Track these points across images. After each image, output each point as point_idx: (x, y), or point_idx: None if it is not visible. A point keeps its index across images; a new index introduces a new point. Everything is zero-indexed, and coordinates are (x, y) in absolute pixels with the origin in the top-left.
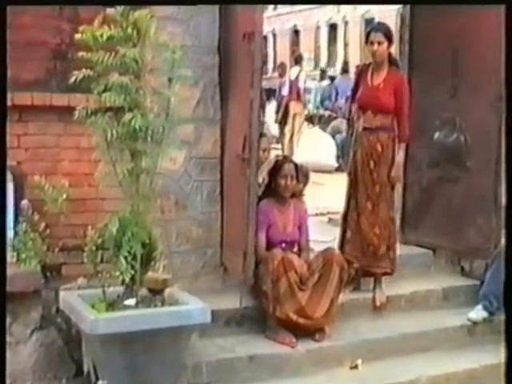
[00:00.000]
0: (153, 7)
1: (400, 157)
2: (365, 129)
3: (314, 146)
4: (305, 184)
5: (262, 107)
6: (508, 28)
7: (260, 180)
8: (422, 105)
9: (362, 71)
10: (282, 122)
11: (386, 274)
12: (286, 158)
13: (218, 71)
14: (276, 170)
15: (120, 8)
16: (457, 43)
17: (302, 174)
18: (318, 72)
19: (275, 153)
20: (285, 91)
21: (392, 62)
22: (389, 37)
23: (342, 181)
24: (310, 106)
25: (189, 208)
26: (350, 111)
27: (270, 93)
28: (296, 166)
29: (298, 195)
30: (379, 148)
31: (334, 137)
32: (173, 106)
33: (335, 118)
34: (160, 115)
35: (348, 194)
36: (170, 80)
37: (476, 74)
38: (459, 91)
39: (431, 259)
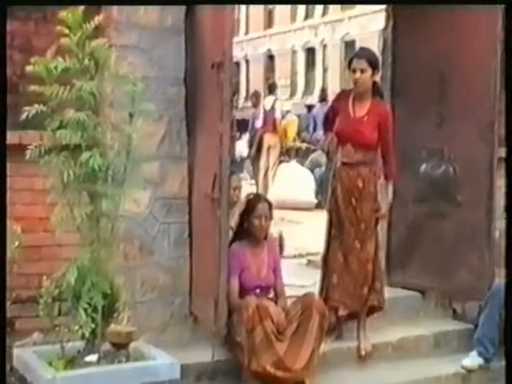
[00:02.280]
0: (111, 36)
1: (390, 195)
2: (344, 164)
3: (291, 182)
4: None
5: (233, 142)
6: (508, 28)
7: (232, 223)
8: (407, 135)
9: (340, 98)
10: (256, 156)
11: (373, 309)
12: (259, 197)
13: (184, 104)
14: (249, 210)
15: (74, 38)
16: (443, 66)
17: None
18: (294, 101)
19: (250, 190)
20: (258, 123)
21: (376, 91)
22: (373, 64)
23: (321, 219)
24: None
25: (155, 253)
26: (325, 140)
27: (243, 124)
28: (270, 204)
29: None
30: (360, 184)
31: (312, 171)
32: (135, 143)
33: (314, 150)
34: (121, 153)
35: (329, 233)
36: (131, 115)
37: (464, 100)
38: (446, 119)
39: (420, 302)
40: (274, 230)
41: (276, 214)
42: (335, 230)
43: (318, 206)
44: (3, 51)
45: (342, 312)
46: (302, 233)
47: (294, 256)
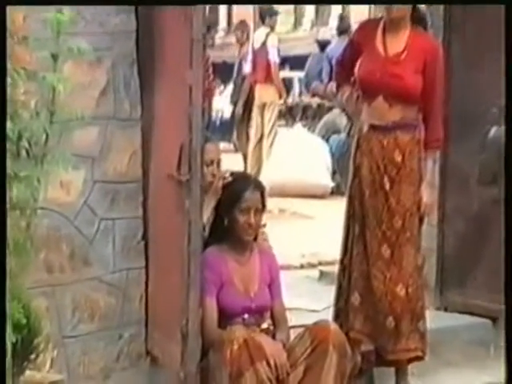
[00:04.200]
0: None
1: (432, 172)
2: (373, 127)
3: (296, 156)
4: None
5: (209, 96)
6: (508, 28)
7: (205, 218)
8: (467, 86)
9: (365, 30)
10: (244, 117)
11: (414, 359)
12: (247, 179)
13: (135, 40)
14: (231, 199)
15: None
16: None
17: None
18: (299, 34)
19: (234, 167)
20: (246, 68)
21: (417, 19)
22: None
23: (340, 211)
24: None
25: (93, 264)
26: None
27: (224, 70)
28: (263, 190)
29: (260, 233)
30: (398, 158)
31: (327, 139)
32: (61, 99)
33: (329, 108)
34: (40, 115)
35: (348, 232)
36: (54, 57)
37: None
38: None
39: (489, 333)
40: (269, 228)
41: (273, 204)
42: (358, 228)
43: (336, 192)
44: (3, 51)
45: (365, 347)
46: (313, 232)
47: (301, 266)
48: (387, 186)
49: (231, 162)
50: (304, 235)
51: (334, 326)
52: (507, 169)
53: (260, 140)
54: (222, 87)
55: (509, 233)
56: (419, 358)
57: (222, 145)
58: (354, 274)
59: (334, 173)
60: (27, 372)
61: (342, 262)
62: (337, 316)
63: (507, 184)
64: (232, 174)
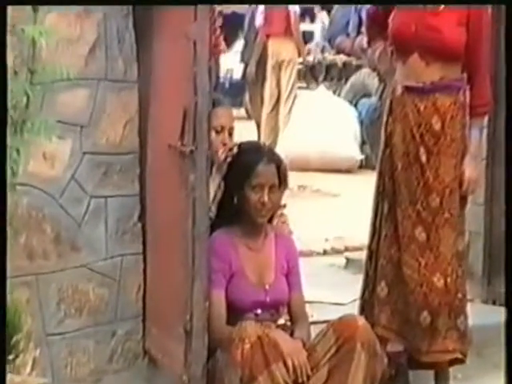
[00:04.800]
0: None
1: (478, 142)
2: (408, 89)
3: (319, 124)
4: (283, 191)
5: (216, 53)
6: (508, 28)
7: (212, 195)
8: None
9: None
10: (258, 78)
11: (454, 362)
12: (261, 151)
13: None
14: (242, 173)
15: None
16: None
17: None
18: None
19: (246, 136)
20: (259, 19)
21: None
22: None
23: (370, 187)
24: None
25: (81, 249)
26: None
27: (233, 22)
28: (279, 164)
29: (278, 215)
30: (437, 125)
31: (356, 104)
32: (43, 56)
33: (357, 67)
34: (19, 74)
35: (377, 212)
36: (34, 7)
37: None
38: None
39: None
40: (288, 210)
41: (291, 180)
42: (387, 206)
43: (366, 166)
44: (3, 51)
45: (392, 347)
46: (338, 212)
47: (325, 253)
48: (423, 158)
49: (242, 131)
50: (328, 216)
51: (362, 322)
52: (507, 169)
53: (276, 105)
54: (231, 43)
55: (509, 233)
56: (459, 361)
57: (232, 110)
58: (380, 261)
59: (362, 143)
60: (8, 375)
61: (369, 246)
62: (362, 310)
63: (507, 184)
64: (242, 144)
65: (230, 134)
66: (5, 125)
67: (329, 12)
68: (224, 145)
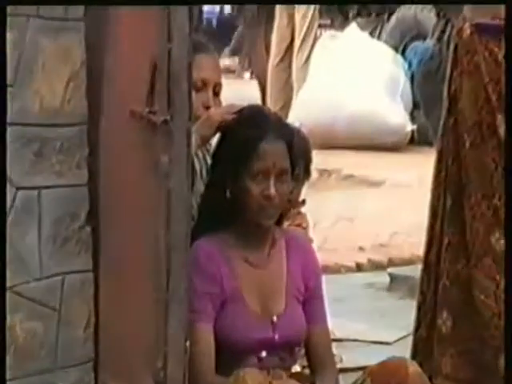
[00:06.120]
0: None
1: None
2: (480, 28)
3: (349, 80)
4: (303, 181)
5: None
6: (508, 28)
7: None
8: None
9: None
10: (262, 12)
11: None
12: (264, 120)
13: None
14: (237, 154)
15: None
16: None
17: (300, 158)
18: None
19: (245, 98)
20: None
21: None
22: None
23: (425, 171)
24: None
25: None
26: None
27: None
28: (291, 141)
29: (292, 215)
30: None
31: (403, 50)
32: None
33: None
34: None
35: (438, 210)
36: None
37: None
38: None
39: None
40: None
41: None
42: (450, 200)
43: (419, 141)
44: (3, 51)
45: None
46: (379, 208)
47: (359, 268)
48: (502, 131)
49: (238, 92)
50: (364, 214)
51: (413, 368)
52: (507, 168)
53: (287, 53)
54: None
55: (509, 233)
56: None
57: (221, 61)
58: (442, 280)
59: (414, 107)
60: None
61: (426, 257)
62: (415, 351)
63: (507, 184)
64: (238, 111)
65: (217, 94)
66: (4, 124)
67: None
68: (207, 108)
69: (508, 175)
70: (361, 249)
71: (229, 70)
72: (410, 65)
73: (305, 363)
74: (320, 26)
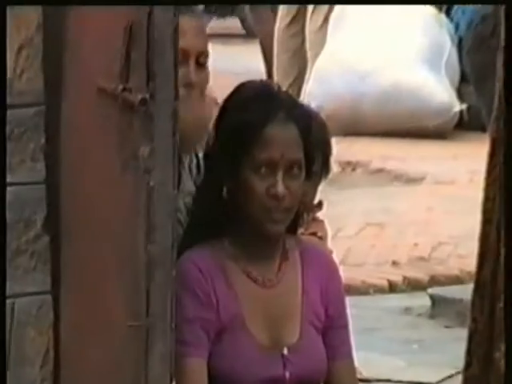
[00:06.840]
0: None
1: None
2: None
3: (379, 47)
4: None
5: None
6: (508, 28)
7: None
8: None
9: None
10: None
11: None
12: (271, 99)
13: None
14: (237, 141)
15: None
16: None
17: (317, 148)
18: None
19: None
20: None
21: None
22: None
23: (476, 164)
24: None
25: None
26: None
27: None
28: (305, 124)
29: (307, 221)
30: None
31: (448, 10)
32: None
33: None
34: None
35: (493, 212)
36: None
37: None
38: None
39: None
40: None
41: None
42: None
43: (469, 125)
44: (3, 51)
45: None
46: (418, 211)
47: (392, 287)
48: None
49: (239, 60)
50: (398, 218)
51: None
52: (507, 168)
53: (299, 12)
54: None
55: (508, 233)
56: None
57: (216, 23)
58: (499, 303)
59: (462, 81)
60: None
61: (478, 275)
62: None
63: (507, 184)
64: (236, 88)
65: (201, 65)
66: (4, 125)
67: None
68: (188, 85)
69: (508, 175)
70: (394, 263)
71: (224, 34)
72: (457, 27)
73: None
74: None
